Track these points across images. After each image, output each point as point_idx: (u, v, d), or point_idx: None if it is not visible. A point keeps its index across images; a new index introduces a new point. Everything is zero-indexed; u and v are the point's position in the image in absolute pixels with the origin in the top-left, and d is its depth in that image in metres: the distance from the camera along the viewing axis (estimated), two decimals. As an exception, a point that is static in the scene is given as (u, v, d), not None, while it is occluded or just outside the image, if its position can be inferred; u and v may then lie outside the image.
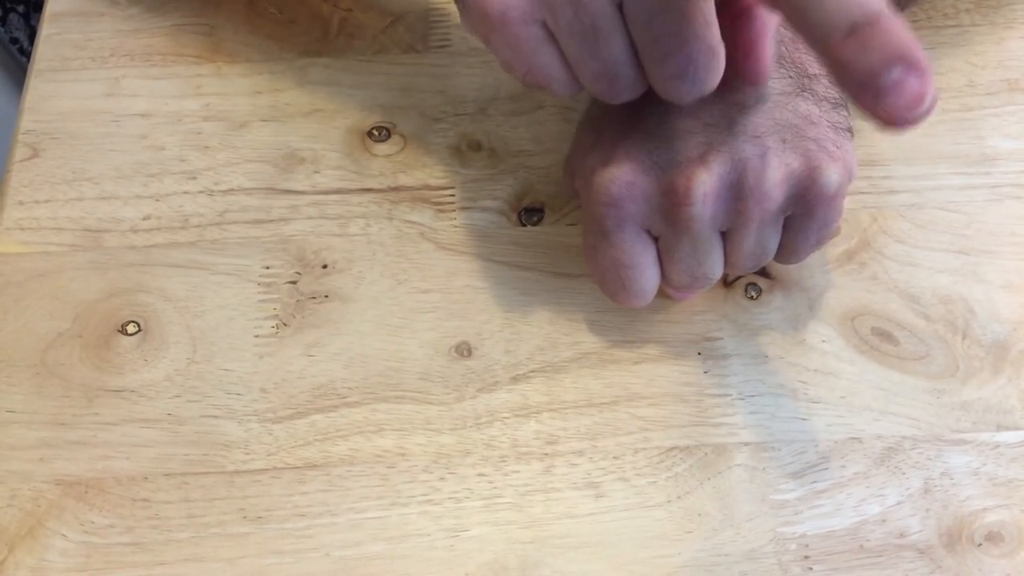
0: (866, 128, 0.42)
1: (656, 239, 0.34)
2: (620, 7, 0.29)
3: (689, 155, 0.32)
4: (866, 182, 0.41)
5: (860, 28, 0.23)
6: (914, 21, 0.46)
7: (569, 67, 0.31)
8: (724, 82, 0.31)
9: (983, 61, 0.44)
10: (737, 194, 0.32)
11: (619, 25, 0.29)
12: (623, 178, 0.32)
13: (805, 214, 0.33)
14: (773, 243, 0.34)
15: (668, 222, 0.33)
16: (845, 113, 0.35)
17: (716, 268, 0.34)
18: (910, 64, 0.22)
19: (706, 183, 0.31)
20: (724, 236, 0.33)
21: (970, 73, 0.44)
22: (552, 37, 0.30)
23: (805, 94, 0.33)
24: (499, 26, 0.30)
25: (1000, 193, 0.41)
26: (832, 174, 0.32)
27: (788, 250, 0.34)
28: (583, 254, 0.36)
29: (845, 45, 0.23)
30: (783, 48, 0.34)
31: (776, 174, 0.32)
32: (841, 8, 0.23)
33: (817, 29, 0.23)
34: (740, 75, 0.32)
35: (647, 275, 0.34)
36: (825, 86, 0.34)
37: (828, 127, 0.33)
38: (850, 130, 0.35)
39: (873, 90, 0.23)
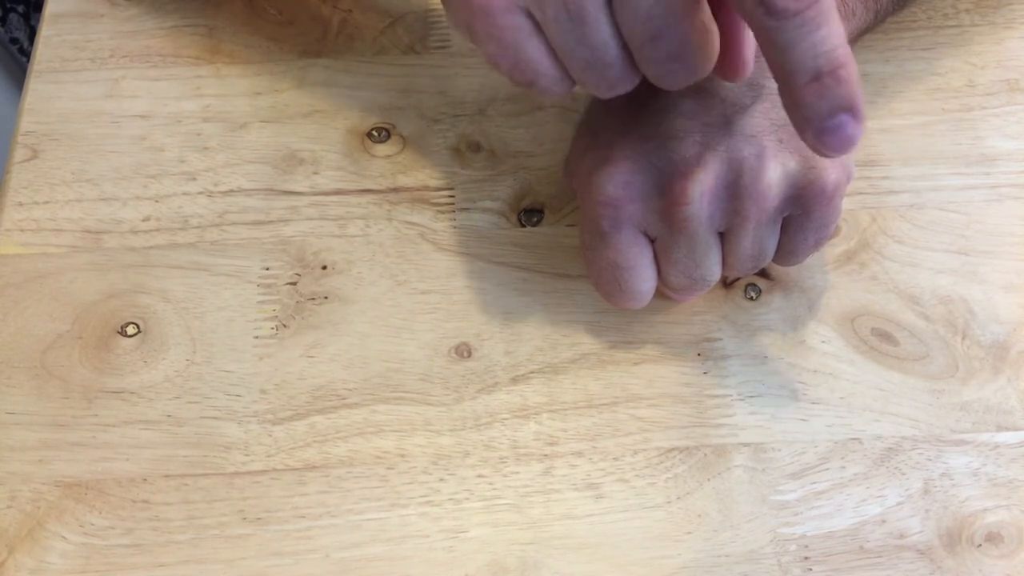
0: (866, 128, 0.42)
1: (653, 241, 0.34)
2: None
3: (686, 155, 0.32)
4: (866, 182, 0.41)
5: (823, 76, 0.26)
6: (914, 21, 0.46)
7: (558, 61, 0.29)
8: (720, 82, 0.31)
9: (983, 61, 0.44)
10: (734, 194, 0.32)
11: (607, 10, 0.28)
12: (620, 178, 0.32)
13: (803, 214, 0.33)
14: (771, 244, 0.34)
15: (665, 222, 0.33)
16: None
17: (714, 270, 0.34)
18: (854, 113, 0.26)
19: (703, 183, 0.31)
20: (722, 237, 0.33)
21: (970, 73, 0.44)
22: (538, 28, 0.29)
23: None
24: (481, 14, 0.29)
25: (1000, 193, 0.41)
26: (829, 173, 0.32)
27: (787, 251, 0.34)
28: (580, 255, 0.36)
29: (807, 88, 0.26)
30: None
31: (773, 174, 0.32)
32: (812, 56, 0.25)
33: (787, 68, 0.26)
34: (721, 69, 0.31)
35: (643, 277, 0.34)
36: None
37: None
38: None
39: (817, 128, 0.26)
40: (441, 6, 0.46)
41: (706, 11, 0.28)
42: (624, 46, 0.29)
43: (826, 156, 0.27)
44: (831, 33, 0.25)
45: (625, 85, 0.30)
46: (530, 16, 0.29)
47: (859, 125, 0.26)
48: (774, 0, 0.25)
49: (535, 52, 0.29)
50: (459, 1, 0.29)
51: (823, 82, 0.26)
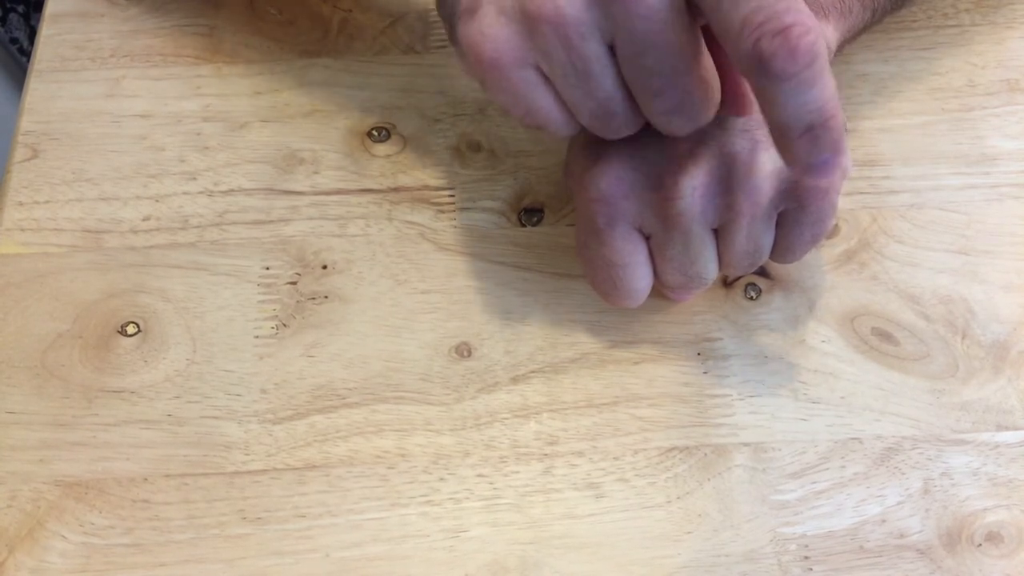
0: (866, 128, 0.42)
1: (648, 238, 0.34)
2: (611, 47, 0.29)
3: (678, 150, 0.32)
4: (866, 182, 0.41)
5: (815, 128, 0.27)
6: (914, 21, 0.46)
7: (566, 108, 0.31)
8: None
9: (983, 61, 0.44)
10: (727, 188, 0.32)
11: (611, 65, 0.29)
12: (613, 174, 0.33)
13: (798, 208, 0.33)
14: (767, 240, 0.33)
15: (658, 218, 0.33)
16: None
17: (709, 267, 0.34)
18: (837, 152, 0.27)
19: (695, 177, 0.31)
20: (717, 235, 0.33)
21: (970, 73, 0.44)
22: (547, 80, 0.30)
23: None
24: (492, 71, 0.30)
25: (1000, 193, 0.41)
26: None
27: (783, 247, 0.34)
28: (576, 253, 0.36)
29: (800, 139, 0.27)
30: None
31: (766, 167, 0.32)
32: (805, 112, 0.27)
33: (781, 122, 0.27)
34: (730, 107, 0.31)
35: (638, 274, 0.34)
36: None
37: None
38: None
39: (804, 166, 0.28)
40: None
41: (708, 64, 0.29)
42: (627, 96, 0.30)
43: (815, 182, 0.31)
44: (823, 89, 0.26)
45: (630, 129, 0.31)
46: (538, 69, 0.30)
47: (841, 158, 0.28)
48: (770, 65, 0.26)
49: (544, 102, 0.31)
50: (472, 56, 0.30)
51: (814, 133, 0.27)
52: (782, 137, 0.28)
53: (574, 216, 0.40)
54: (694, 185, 0.32)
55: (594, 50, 0.29)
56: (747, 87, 0.31)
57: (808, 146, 0.27)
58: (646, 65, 0.29)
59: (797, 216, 0.33)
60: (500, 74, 0.30)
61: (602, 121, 0.31)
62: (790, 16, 0.25)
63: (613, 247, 0.34)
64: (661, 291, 0.37)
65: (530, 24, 0.29)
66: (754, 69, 0.26)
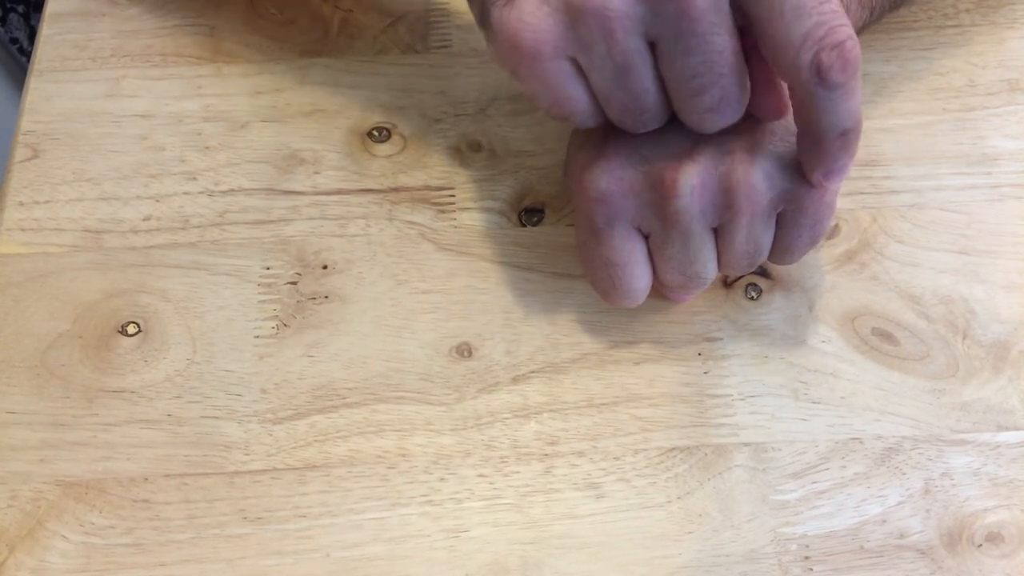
0: (867, 128, 0.42)
1: (647, 237, 0.34)
2: (651, 44, 0.29)
3: (677, 148, 0.32)
4: (867, 182, 0.41)
5: (848, 132, 0.29)
6: (915, 21, 0.46)
7: (595, 100, 0.31)
8: None
9: (984, 61, 0.44)
10: (726, 187, 0.32)
11: (650, 61, 0.30)
12: (612, 173, 0.33)
13: (796, 210, 0.33)
14: (766, 240, 0.33)
15: (657, 217, 0.33)
16: None
17: (709, 266, 0.34)
18: (853, 155, 0.30)
19: (693, 176, 0.32)
20: (717, 234, 0.33)
21: (971, 73, 0.44)
22: (580, 71, 0.30)
23: None
24: (530, 61, 0.30)
25: (1001, 193, 0.41)
26: None
27: (781, 248, 0.34)
28: (576, 253, 0.36)
29: (833, 144, 0.30)
30: None
31: (765, 167, 0.32)
32: (845, 118, 0.29)
33: (823, 127, 0.29)
34: (766, 111, 0.32)
35: (637, 274, 0.34)
36: None
37: None
38: None
39: (827, 171, 0.31)
40: (441, 5, 0.46)
41: (744, 64, 0.30)
42: (661, 92, 0.31)
43: (823, 188, 0.32)
44: (859, 96, 0.29)
45: (657, 123, 0.32)
46: (573, 60, 0.30)
47: (851, 161, 0.30)
48: (831, 76, 0.28)
49: (575, 92, 0.31)
50: (508, 44, 0.30)
51: (847, 137, 0.29)
52: (818, 141, 0.30)
53: (574, 215, 0.40)
54: (693, 184, 0.32)
55: (636, 45, 0.29)
56: (783, 91, 0.32)
57: (838, 150, 0.30)
58: (690, 65, 0.29)
59: (795, 217, 0.33)
60: (537, 64, 0.30)
61: (632, 115, 0.31)
62: (845, 30, 0.27)
63: (612, 246, 0.34)
64: (661, 292, 0.37)
65: (574, 15, 0.29)
66: (811, 79, 0.28)
